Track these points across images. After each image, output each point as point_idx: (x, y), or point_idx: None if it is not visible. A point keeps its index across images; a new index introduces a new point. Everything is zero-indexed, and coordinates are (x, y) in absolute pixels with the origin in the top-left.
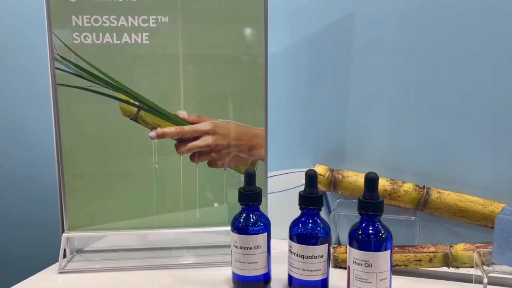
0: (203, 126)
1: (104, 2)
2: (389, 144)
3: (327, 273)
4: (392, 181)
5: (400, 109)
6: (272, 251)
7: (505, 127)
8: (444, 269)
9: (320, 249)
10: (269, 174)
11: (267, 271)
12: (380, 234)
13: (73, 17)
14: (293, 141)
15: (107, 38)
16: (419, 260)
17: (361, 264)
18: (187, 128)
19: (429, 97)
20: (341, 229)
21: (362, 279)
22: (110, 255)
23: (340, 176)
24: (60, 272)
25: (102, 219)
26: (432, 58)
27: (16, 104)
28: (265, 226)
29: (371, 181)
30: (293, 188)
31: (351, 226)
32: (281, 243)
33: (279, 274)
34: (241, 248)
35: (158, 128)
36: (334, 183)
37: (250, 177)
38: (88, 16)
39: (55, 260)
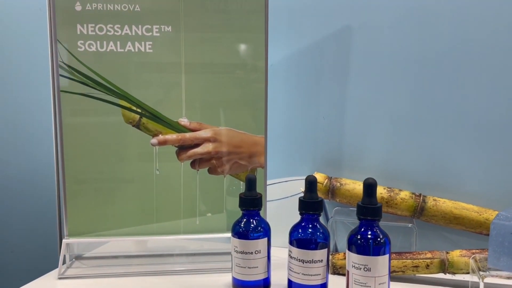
0: (204, 133)
1: (109, 12)
2: (386, 153)
3: (326, 278)
4: (389, 189)
5: (397, 119)
6: (271, 258)
7: (499, 137)
8: (441, 275)
9: (320, 254)
10: (268, 182)
11: (267, 276)
12: (379, 239)
13: (78, 26)
14: (292, 149)
15: (111, 46)
16: (416, 266)
17: (360, 268)
18: (188, 135)
19: (425, 107)
20: (338, 237)
21: (361, 283)
22: (109, 262)
23: (338, 184)
24: (60, 278)
25: (103, 225)
26: (428, 69)
27: (17, 110)
28: (265, 231)
29: (370, 186)
30: (292, 196)
31: (350, 231)
32: (280, 251)
33: (278, 280)
34: (242, 253)
35: (160, 135)
36: (332, 191)
37: (251, 183)
38: (93, 25)
39: (53, 268)
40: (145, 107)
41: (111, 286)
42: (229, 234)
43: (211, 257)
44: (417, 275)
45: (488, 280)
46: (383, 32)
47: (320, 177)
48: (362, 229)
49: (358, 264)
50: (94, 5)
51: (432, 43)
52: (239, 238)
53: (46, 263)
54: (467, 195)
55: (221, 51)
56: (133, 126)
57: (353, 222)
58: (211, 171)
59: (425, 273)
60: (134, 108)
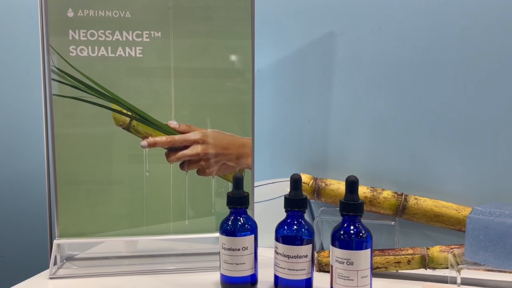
0: (193, 135)
1: (100, 18)
2: (369, 154)
3: (311, 273)
4: (372, 189)
5: (379, 121)
6: (258, 257)
7: (477, 138)
8: (422, 271)
9: (305, 249)
10: (255, 184)
11: (254, 272)
12: (361, 234)
13: (70, 31)
14: (278, 152)
15: (102, 51)
16: (398, 262)
17: (343, 262)
18: (177, 137)
19: (406, 110)
20: (324, 236)
21: (344, 276)
22: (100, 262)
23: (323, 184)
24: (51, 278)
25: (93, 226)
26: (409, 73)
27: (9, 113)
28: (252, 229)
29: (352, 183)
30: (278, 197)
31: (333, 227)
32: (267, 251)
33: (265, 277)
34: (229, 249)
35: (150, 137)
36: (317, 191)
37: (238, 182)
38: (85, 31)
39: (44, 269)
40: (135, 110)
41: (102, 285)
42: (217, 234)
43: (200, 257)
44: (399, 271)
45: (465, 273)
46: (365, 38)
47: (305, 177)
48: (345, 225)
49: (341, 258)
50: (86, 11)
51: (411, 48)
52: (226, 235)
53: (37, 265)
54: (447, 194)
55: (209, 56)
56: (123, 128)
57: (338, 221)
58: (200, 172)
59: (406, 269)
60: (125, 111)
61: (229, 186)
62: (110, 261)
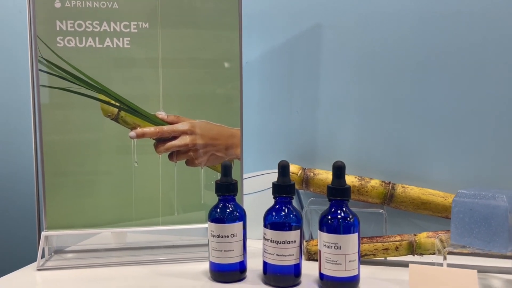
0: (181, 126)
1: (88, 8)
2: (357, 145)
3: (300, 259)
4: (360, 178)
5: (366, 112)
6: (248, 249)
7: (462, 127)
8: (410, 257)
9: (293, 235)
10: (244, 176)
11: (242, 259)
12: (348, 219)
13: (57, 22)
14: (267, 143)
15: (90, 42)
16: (386, 249)
17: (331, 246)
18: (166, 128)
19: (393, 100)
20: (313, 227)
21: (332, 261)
22: (89, 255)
23: (312, 174)
24: (39, 269)
25: (82, 218)
26: (394, 63)
27: None
28: (240, 216)
29: (339, 169)
30: (267, 189)
31: (321, 213)
32: (256, 242)
33: (254, 266)
34: (218, 236)
35: (138, 128)
36: (306, 181)
37: (226, 169)
38: (72, 21)
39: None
40: (124, 101)
41: (91, 276)
42: (207, 225)
43: (189, 248)
44: (387, 258)
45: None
46: (351, 30)
47: (294, 168)
48: (332, 210)
49: (329, 242)
50: (73, 2)
51: (397, 39)
52: (215, 222)
53: (26, 258)
54: (434, 182)
55: (197, 47)
56: (111, 119)
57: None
58: (189, 163)
59: (395, 255)
60: (113, 102)
61: (218, 177)
62: (99, 253)
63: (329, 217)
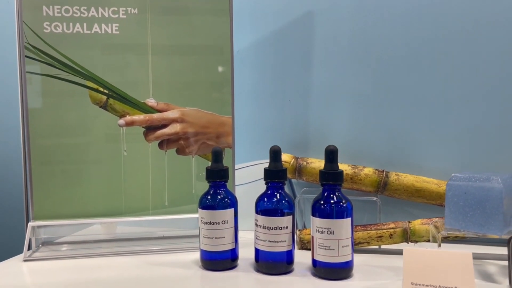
0: (171, 114)
1: None
2: (350, 133)
3: (293, 245)
4: (353, 166)
5: (359, 100)
6: (239, 240)
7: (455, 114)
8: (404, 245)
9: (285, 221)
10: (236, 166)
11: (234, 247)
12: (341, 203)
13: (44, 7)
14: (259, 133)
15: (78, 28)
16: (380, 237)
17: (324, 232)
18: (155, 116)
19: (386, 88)
20: (306, 217)
21: (325, 246)
22: (77, 246)
23: (305, 163)
24: (25, 260)
25: (70, 207)
26: (387, 51)
27: None
28: (232, 203)
29: (331, 153)
30: (259, 179)
31: (313, 199)
32: (248, 233)
33: (246, 255)
34: (209, 223)
35: (127, 116)
36: (299, 170)
37: (217, 155)
38: (59, 6)
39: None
40: (112, 88)
41: (79, 266)
42: (197, 215)
43: (180, 239)
44: (381, 246)
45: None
46: (344, 18)
47: (287, 157)
48: (325, 194)
49: (322, 228)
50: None
51: (390, 26)
52: (206, 209)
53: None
54: (427, 170)
55: (187, 33)
56: (100, 107)
57: None
58: (179, 151)
59: (389, 243)
60: (101, 89)
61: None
62: (89, 244)
63: (322, 202)
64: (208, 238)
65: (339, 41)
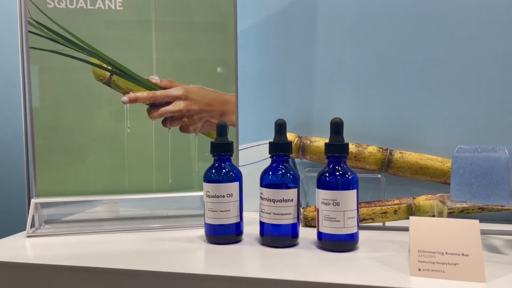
0: (175, 91)
1: None
2: (354, 112)
3: (298, 218)
4: (357, 145)
5: (363, 79)
6: (244, 220)
7: (459, 93)
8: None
9: (291, 193)
10: (240, 147)
11: (239, 220)
12: (347, 175)
13: None
14: (263, 113)
15: (81, 3)
16: (384, 213)
17: (329, 203)
18: (159, 93)
19: (390, 67)
20: (309, 197)
21: (330, 218)
22: (80, 224)
23: (308, 142)
24: (29, 236)
25: (73, 185)
26: (392, 30)
27: None
28: (237, 177)
29: (336, 125)
30: (264, 159)
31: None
32: (253, 214)
33: (251, 232)
34: (214, 196)
35: (131, 93)
36: (302, 148)
37: (221, 129)
38: None
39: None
40: (116, 64)
41: (82, 242)
42: (201, 193)
43: (184, 218)
44: (386, 223)
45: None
46: None
47: (290, 136)
48: (330, 166)
49: (327, 199)
50: None
51: (394, 4)
52: (211, 182)
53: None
54: (431, 148)
55: (191, 9)
56: (103, 83)
57: None
58: (183, 129)
59: (393, 219)
60: (105, 65)
61: None
62: (91, 223)
63: (327, 174)
64: (213, 211)
65: (343, 20)
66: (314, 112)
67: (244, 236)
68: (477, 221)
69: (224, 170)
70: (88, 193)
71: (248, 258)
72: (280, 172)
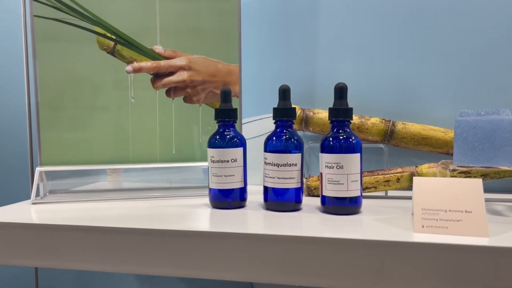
0: (178, 61)
1: None
2: (357, 85)
3: (301, 183)
4: (360, 116)
5: (365, 51)
6: (247, 191)
7: (462, 64)
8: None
9: (294, 158)
10: (243, 121)
11: (243, 185)
12: (351, 140)
13: None
14: (266, 86)
15: None
16: (387, 181)
17: (333, 167)
18: (163, 63)
19: (393, 38)
20: (312, 170)
21: (334, 181)
22: (84, 194)
23: (311, 113)
24: (34, 203)
25: (77, 154)
26: (393, 1)
27: None
28: (241, 142)
29: (340, 90)
30: (267, 133)
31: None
32: (256, 187)
33: (254, 199)
34: (218, 162)
35: (135, 63)
36: (305, 120)
37: (225, 95)
38: None
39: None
40: (120, 34)
41: (86, 208)
42: (205, 163)
43: (187, 189)
44: (388, 191)
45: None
46: None
47: None
48: (334, 130)
49: (331, 163)
50: None
51: None
52: (215, 148)
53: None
54: (434, 120)
55: None
56: (107, 52)
57: None
58: (187, 99)
59: (396, 188)
60: (109, 34)
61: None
62: (95, 193)
63: (331, 138)
64: (218, 176)
65: None
66: (317, 85)
67: (247, 203)
68: (480, 179)
69: (228, 136)
70: (92, 162)
71: (252, 219)
72: (284, 137)
